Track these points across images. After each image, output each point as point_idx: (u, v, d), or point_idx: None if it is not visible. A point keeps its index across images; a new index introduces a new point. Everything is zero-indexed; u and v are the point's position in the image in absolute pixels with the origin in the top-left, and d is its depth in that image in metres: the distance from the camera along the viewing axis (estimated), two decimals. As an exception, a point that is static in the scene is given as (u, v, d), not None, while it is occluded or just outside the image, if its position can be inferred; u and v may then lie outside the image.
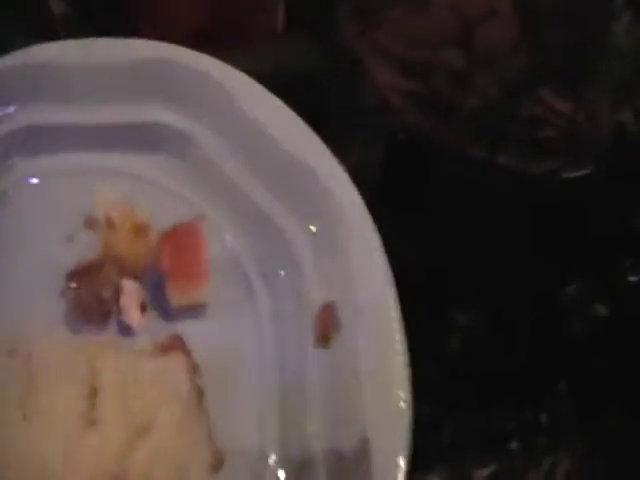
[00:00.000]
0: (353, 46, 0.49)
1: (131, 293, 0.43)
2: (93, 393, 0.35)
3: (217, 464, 0.37)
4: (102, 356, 0.36)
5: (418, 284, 0.41)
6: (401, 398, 0.37)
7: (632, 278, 0.45)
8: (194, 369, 0.37)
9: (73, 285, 0.42)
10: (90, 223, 0.46)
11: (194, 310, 0.43)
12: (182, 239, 0.42)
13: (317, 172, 0.43)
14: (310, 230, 0.43)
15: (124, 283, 0.43)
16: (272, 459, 0.39)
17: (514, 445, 0.42)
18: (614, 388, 0.43)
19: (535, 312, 0.46)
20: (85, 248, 0.45)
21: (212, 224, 0.45)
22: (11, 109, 0.47)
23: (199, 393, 0.37)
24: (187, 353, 0.38)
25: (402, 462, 0.34)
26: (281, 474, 0.38)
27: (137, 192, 0.47)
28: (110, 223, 0.43)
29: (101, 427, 0.34)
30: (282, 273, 0.44)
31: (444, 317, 0.45)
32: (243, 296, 0.43)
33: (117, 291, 0.43)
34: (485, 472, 0.41)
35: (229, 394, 0.39)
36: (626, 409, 0.42)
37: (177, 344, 0.38)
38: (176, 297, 0.42)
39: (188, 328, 0.42)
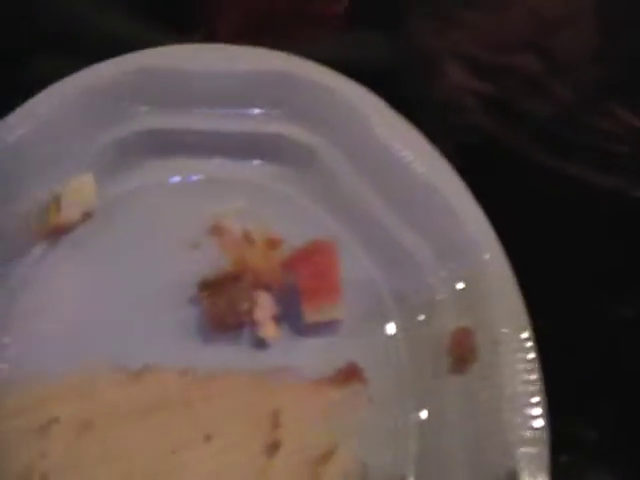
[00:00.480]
0: (428, 44, 0.49)
1: (266, 306, 0.43)
2: (275, 420, 0.35)
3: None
4: (279, 384, 0.36)
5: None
6: (540, 424, 0.37)
7: None
8: (369, 400, 0.38)
9: (209, 296, 0.42)
10: (216, 230, 0.46)
11: (326, 327, 0.43)
12: (318, 257, 0.43)
13: (450, 202, 0.44)
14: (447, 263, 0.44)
15: (259, 295, 0.43)
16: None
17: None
18: None
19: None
20: (212, 255, 0.45)
21: (344, 244, 0.45)
22: (143, 109, 0.48)
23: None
24: (364, 383, 0.38)
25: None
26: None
27: (266, 203, 0.47)
28: (248, 237, 0.44)
29: (283, 455, 0.34)
30: (412, 297, 0.44)
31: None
32: (376, 318, 0.44)
33: (252, 304, 0.43)
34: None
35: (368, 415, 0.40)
36: None
37: (355, 374, 0.38)
38: (311, 315, 0.42)
39: (320, 344, 0.43)
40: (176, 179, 0.48)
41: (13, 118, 0.44)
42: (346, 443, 0.36)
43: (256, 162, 0.49)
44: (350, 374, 0.38)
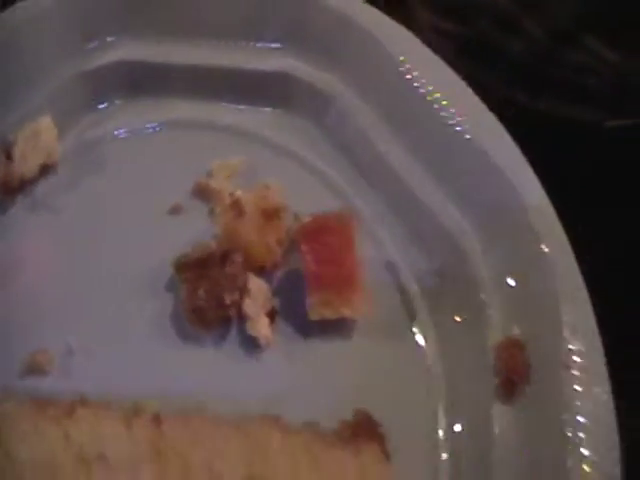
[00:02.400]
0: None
1: (259, 296, 0.33)
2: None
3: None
4: (264, 436, 0.26)
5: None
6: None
7: None
8: (388, 455, 0.28)
9: (187, 281, 0.33)
10: (202, 191, 0.37)
11: (339, 327, 0.34)
12: (328, 236, 0.33)
13: (497, 161, 0.34)
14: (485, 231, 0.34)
15: (251, 281, 0.33)
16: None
17: None
18: None
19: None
20: (195, 223, 0.36)
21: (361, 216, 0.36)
22: (117, 36, 0.39)
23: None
24: (382, 441, 0.28)
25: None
26: None
27: (264, 159, 0.38)
28: (239, 206, 0.34)
29: None
30: (449, 291, 0.34)
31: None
32: (401, 317, 0.34)
33: (241, 293, 0.33)
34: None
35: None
36: None
37: (369, 430, 0.28)
38: (318, 309, 0.33)
39: (330, 349, 0.34)
40: (154, 126, 0.40)
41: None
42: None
43: (255, 108, 0.41)
44: (361, 428, 0.28)
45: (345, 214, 0.34)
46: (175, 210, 0.37)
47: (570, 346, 0.31)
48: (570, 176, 0.38)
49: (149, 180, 0.38)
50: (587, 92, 0.42)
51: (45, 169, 0.37)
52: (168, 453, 0.25)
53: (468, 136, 0.36)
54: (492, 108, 0.37)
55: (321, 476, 0.25)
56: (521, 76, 0.42)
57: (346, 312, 0.33)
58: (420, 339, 0.34)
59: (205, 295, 0.33)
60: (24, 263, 0.36)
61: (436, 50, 0.39)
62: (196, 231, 0.36)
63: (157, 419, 0.26)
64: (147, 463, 0.25)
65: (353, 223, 0.34)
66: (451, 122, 0.36)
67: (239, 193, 0.36)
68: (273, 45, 0.40)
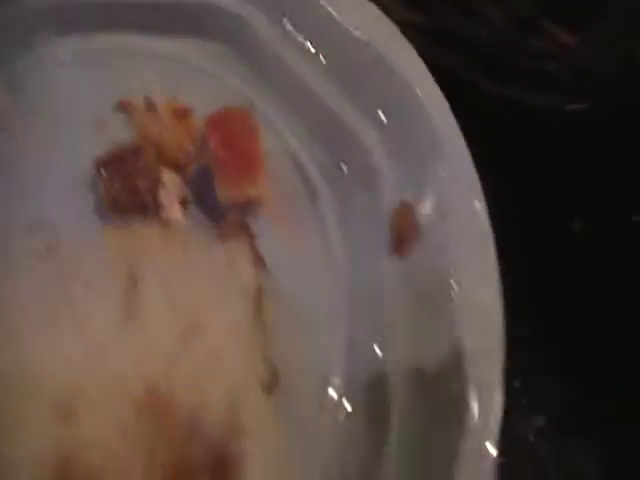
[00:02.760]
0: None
1: (171, 186, 0.36)
2: (133, 284, 0.28)
3: (271, 384, 0.31)
4: (145, 242, 0.29)
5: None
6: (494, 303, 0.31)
7: (635, 218, 0.43)
8: (260, 261, 0.30)
9: (104, 174, 0.35)
10: (124, 106, 0.39)
11: (245, 209, 0.36)
12: (232, 124, 0.36)
13: (388, 56, 0.37)
14: (379, 119, 0.37)
15: (165, 175, 0.36)
16: (335, 383, 0.32)
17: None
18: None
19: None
20: (117, 134, 0.39)
21: (263, 115, 0.38)
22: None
23: (259, 294, 0.30)
24: (252, 238, 0.30)
25: (499, 373, 0.29)
26: (345, 401, 0.32)
27: (178, 77, 0.41)
28: (150, 104, 0.37)
29: (143, 325, 0.27)
30: (345, 169, 0.37)
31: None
32: (303, 196, 0.37)
33: (155, 183, 0.36)
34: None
35: (288, 307, 0.33)
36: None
37: (239, 227, 0.30)
38: (226, 192, 0.35)
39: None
40: (78, 56, 0.42)
41: None
42: (224, 315, 0.28)
43: (173, 36, 0.42)
44: (233, 227, 0.31)
45: (248, 106, 0.37)
46: (99, 124, 0.40)
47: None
48: (537, 161, 0.41)
49: (72, 101, 0.40)
50: (549, 78, 0.43)
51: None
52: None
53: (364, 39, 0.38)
54: (458, 96, 0.38)
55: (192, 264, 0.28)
56: (486, 64, 0.43)
57: (252, 192, 0.36)
58: (322, 214, 0.37)
59: (121, 184, 0.36)
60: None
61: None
62: (117, 139, 0.39)
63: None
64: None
65: (254, 115, 0.36)
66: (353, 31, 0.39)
67: (154, 97, 0.38)
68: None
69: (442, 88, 0.39)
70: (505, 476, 0.31)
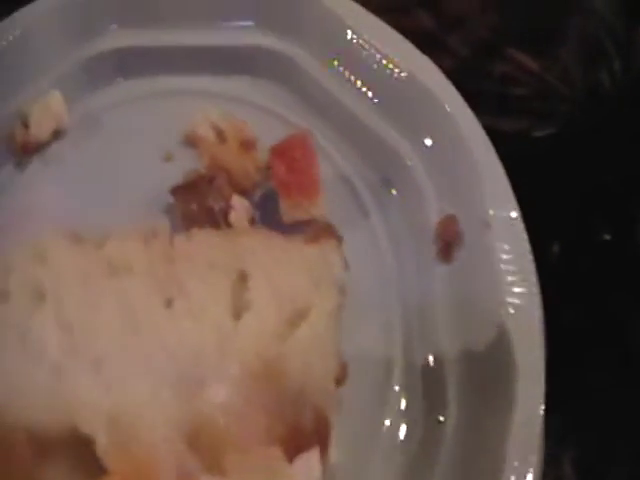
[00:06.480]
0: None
1: (241, 209, 0.41)
2: (242, 279, 0.33)
3: (341, 378, 0.35)
4: (250, 242, 0.34)
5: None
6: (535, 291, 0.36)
7: (606, 236, 0.44)
8: (345, 260, 0.35)
9: (181, 198, 0.40)
10: (191, 139, 0.44)
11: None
12: (293, 152, 0.41)
13: (428, 87, 0.42)
14: (424, 144, 0.42)
15: (235, 199, 0.41)
16: (396, 372, 0.37)
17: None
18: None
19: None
20: (186, 165, 0.43)
21: (318, 144, 0.43)
22: (113, 27, 0.46)
23: (343, 289, 0.35)
24: (339, 240, 0.35)
25: (541, 353, 0.33)
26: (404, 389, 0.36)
27: (240, 113, 0.45)
28: (221, 136, 0.42)
29: (253, 313, 0.31)
30: (394, 192, 0.42)
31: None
32: (356, 215, 0.42)
33: (227, 206, 0.41)
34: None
35: (351, 308, 0.37)
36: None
37: (329, 231, 0.35)
38: (290, 212, 0.40)
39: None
40: (148, 96, 0.47)
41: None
42: (322, 303, 0.32)
43: (232, 77, 0.47)
44: (323, 231, 0.35)
45: (305, 133, 0.42)
46: (168, 158, 0.45)
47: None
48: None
49: (144, 137, 0.44)
50: (516, 103, 0.46)
51: (56, 134, 0.44)
52: (177, 258, 0.32)
53: (402, 72, 0.43)
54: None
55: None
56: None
57: (313, 211, 0.41)
58: (374, 229, 0.42)
59: (197, 207, 0.41)
60: (39, 210, 0.42)
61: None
62: (186, 171, 0.44)
63: (170, 236, 0.33)
64: (162, 265, 0.32)
65: (310, 138, 0.41)
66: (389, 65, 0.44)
67: (220, 124, 0.43)
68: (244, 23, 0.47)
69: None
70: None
